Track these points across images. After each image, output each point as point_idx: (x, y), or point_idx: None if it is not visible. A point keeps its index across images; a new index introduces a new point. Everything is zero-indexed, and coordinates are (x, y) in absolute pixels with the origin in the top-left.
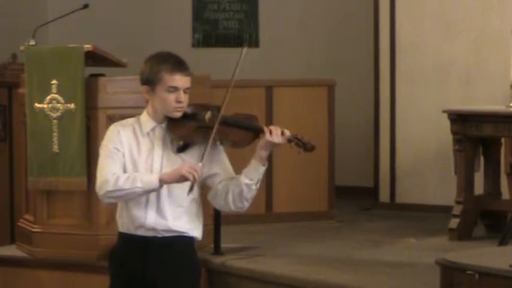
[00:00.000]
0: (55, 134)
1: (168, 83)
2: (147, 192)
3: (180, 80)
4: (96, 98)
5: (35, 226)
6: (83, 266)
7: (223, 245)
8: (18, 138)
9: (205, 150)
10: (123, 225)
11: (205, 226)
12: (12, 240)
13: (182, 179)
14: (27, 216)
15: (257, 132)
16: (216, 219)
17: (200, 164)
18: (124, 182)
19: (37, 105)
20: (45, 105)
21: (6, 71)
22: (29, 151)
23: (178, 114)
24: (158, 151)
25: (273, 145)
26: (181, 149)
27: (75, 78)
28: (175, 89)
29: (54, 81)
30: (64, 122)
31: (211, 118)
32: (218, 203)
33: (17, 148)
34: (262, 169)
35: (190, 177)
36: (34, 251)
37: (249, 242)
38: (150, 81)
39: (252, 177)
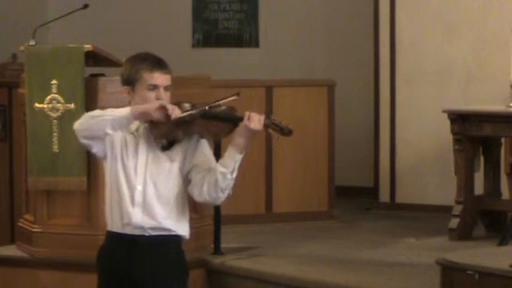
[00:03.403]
0: (55, 134)
1: (148, 81)
2: (119, 121)
3: (160, 78)
4: (96, 98)
5: (35, 226)
6: (83, 266)
7: (223, 245)
8: (18, 138)
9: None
10: (112, 223)
11: (205, 226)
12: (12, 240)
13: (158, 110)
14: (27, 216)
15: (237, 123)
16: (216, 219)
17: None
18: (96, 112)
19: (37, 105)
20: (45, 105)
21: (6, 71)
22: (29, 151)
23: None
24: (143, 150)
25: (251, 132)
26: (166, 148)
27: (75, 78)
28: (155, 87)
29: (54, 81)
30: (64, 122)
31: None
32: (194, 193)
33: (17, 148)
34: (238, 157)
35: (170, 108)
36: (34, 251)
37: (249, 242)
38: (130, 81)
39: (226, 165)
